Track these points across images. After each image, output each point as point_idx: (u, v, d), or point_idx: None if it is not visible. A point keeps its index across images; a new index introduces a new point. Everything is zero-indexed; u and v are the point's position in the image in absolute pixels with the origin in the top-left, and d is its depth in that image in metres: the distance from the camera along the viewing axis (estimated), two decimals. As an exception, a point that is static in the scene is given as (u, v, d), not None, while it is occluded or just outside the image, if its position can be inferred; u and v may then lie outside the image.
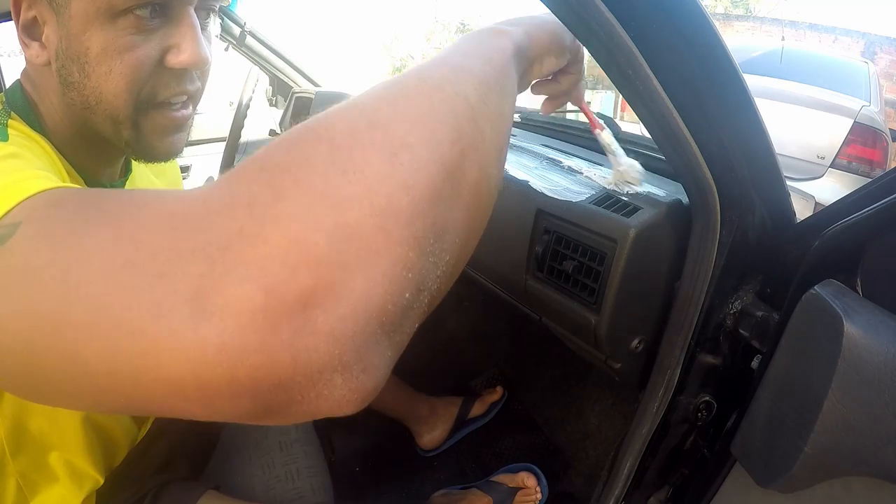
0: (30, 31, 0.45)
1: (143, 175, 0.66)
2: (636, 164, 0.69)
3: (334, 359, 0.19)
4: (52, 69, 0.45)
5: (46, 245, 0.23)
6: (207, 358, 0.19)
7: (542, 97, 0.54)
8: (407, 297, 0.20)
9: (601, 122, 0.66)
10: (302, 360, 0.19)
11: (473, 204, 0.24)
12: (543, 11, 0.43)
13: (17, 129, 0.45)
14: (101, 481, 0.61)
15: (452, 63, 0.28)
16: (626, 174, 0.68)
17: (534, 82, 0.48)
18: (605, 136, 0.67)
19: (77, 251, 0.22)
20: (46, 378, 0.22)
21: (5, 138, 0.41)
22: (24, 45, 0.45)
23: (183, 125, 0.51)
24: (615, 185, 0.70)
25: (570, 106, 0.58)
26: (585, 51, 0.49)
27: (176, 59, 0.45)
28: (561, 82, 0.49)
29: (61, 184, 0.31)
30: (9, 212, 0.27)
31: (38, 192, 0.28)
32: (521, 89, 0.45)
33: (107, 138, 0.49)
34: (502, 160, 0.29)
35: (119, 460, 0.65)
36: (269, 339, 0.18)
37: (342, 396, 0.20)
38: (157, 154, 0.51)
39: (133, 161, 0.61)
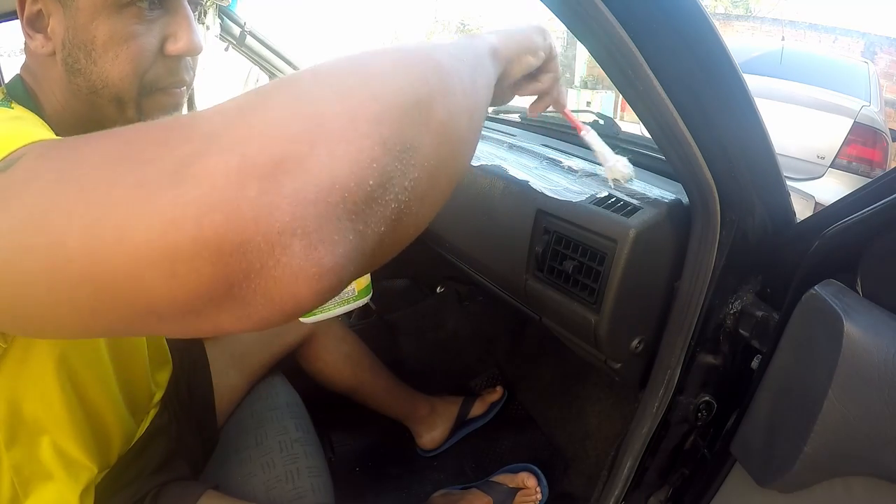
0: (34, 24, 0.48)
1: None
2: (624, 160, 0.70)
3: (294, 220, 0.20)
4: (57, 58, 0.48)
5: (45, 161, 0.26)
6: (177, 215, 0.20)
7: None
8: (371, 184, 0.22)
9: (584, 124, 0.68)
10: (264, 217, 0.20)
11: (441, 142, 0.26)
12: (532, 16, 0.44)
13: (20, 110, 0.47)
14: (96, 472, 0.61)
15: (428, 45, 0.32)
16: (614, 171, 0.70)
17: (518, 83, 0.51)
18: (590, 137, 0.69)
19: (73, 158, 0.24)
20: (26, 287, 0.24)
21: (9, 107, 0.45)
22: (29, 37, 0.48)
23: (180, 103, 0.54)
24: (610, 182, 0.72)
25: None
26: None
27: (174, 47, 0.49)
28: (542, 80, 0.53)
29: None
30: (13, 152, 0.29)
31: (41, 140, 0.30)
32: (508, 92, 0.50)
33: (108, 122, 0.51)
34: (473, 132, 0.32)
35: (114, 452, 0.65)
36: (236, 195, 0.20)
37: (299, 267, 0.21)
38: None
39: None
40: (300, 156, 0.21)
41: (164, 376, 0.77)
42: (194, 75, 0.55)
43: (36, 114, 0.49)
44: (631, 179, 0.71)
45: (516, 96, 0.53)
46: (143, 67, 0.48)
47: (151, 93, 0.50)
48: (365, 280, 0.75)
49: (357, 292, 0.74)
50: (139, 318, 0.23)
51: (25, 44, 0.50)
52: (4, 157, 0.29)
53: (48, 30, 0.47)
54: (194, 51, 0.50)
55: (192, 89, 0.58)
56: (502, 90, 0.49)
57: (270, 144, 0.21)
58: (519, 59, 0.45)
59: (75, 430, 0.58)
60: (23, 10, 0.47)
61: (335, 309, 0.74)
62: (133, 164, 0.22)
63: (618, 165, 0.70)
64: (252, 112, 0.23)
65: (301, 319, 0.73)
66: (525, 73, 0.47)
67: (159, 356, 0.75)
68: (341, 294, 0.72)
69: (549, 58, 0.50)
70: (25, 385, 0.52)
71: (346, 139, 0.22)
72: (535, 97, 0.57)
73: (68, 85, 0.49)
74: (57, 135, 0.49)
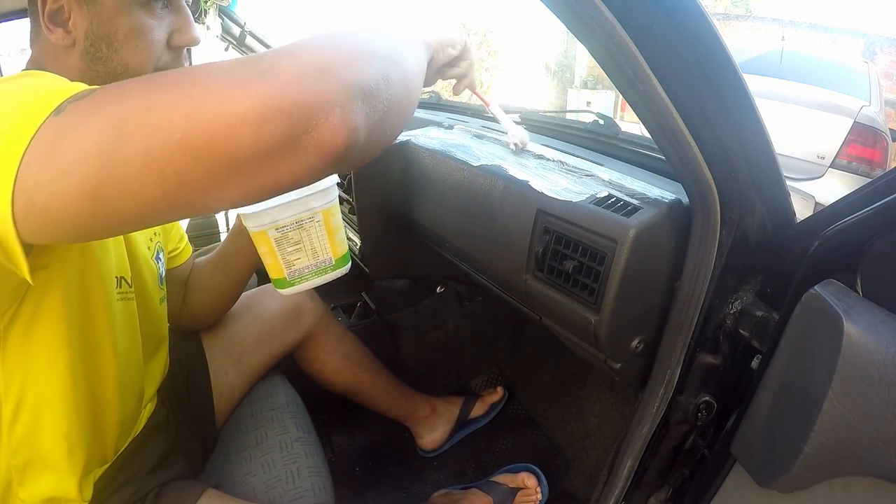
0: (54, 19, 0.54)
1: None
2: (521, 129, 0.93)
3: (336, 97, 0.34)
4: (78, 48, 0.55)
5: (132, 83, 0.36)
6: (267, 92, 0.33)
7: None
8: (372, 87, 0.36)
9: (490, 99, 0.85)
10: (320, 94, 0.34)
11: (401, 81, 0.41)
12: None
13: None
14: (95, 464, 0.62)
15: (393, 28, 0.47)
16: (515, 137, 0.92)
17: (441, 69, 0.63)
18: (495, 111, 0.88)
19: (160, 78, 0.36)
20: (122, 167, 0.33)
21: None
22: (49, 30, 0.54)
23: None
24: (511, 145, 0.93)
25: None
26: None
27: (181, 39, 0.59)
28: (460, 66, 0.66)
29: None
30: (78, 93, 0.37)
31: (95, 87, 0.38)
32: (435, 75, 0.62)
33: None
34: (417, 86, 0.46)
35: (111, 445, 0.65)
36: (303, 81, 0.34)
37: (338, 125, 0.34)
38: None
39: None
40: (335, 67, 0.35)
41: (157, 367, 0.77)
42: (189, 63, 0.66)
43: None
44: (525, 144, 0.93)
45: (425, 63, 0.60)
46: (156, 56, 0.58)
47: None
48: (342, 250, 0.74)
49: (335, 262, 0.73)
50: (220, 175, 0.33)
51: (34, 40, 0.57)
52: (75, 94, 0.37)
53: (69, 24, 0.54)
54: (196, 42, 0.61)
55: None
56: (430, 73, 0.59)
57: (318, 62, 0.35)
58: (442, 49, 0.58)
59: (78, 417, 0.58)
60: (44, 6, 0.53)
61: (314, 278, 0.73)
62: (223, 73, 0.34)
63: (517, 133, 0.92)
64: (300, 48, 0.37)
65: (281, 291, 0.73)
66: (446, 62, 0.61)
67: (152, 344, 0.75)
68: (319, 263, 0.72)
69: (465, 49, 0.63)
70: (33, 364, 0.54)
71: (358, 62, 0.37)
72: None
73: (86, 72, 0.56)
74: None
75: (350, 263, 0.76)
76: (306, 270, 0.72)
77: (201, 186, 0.34)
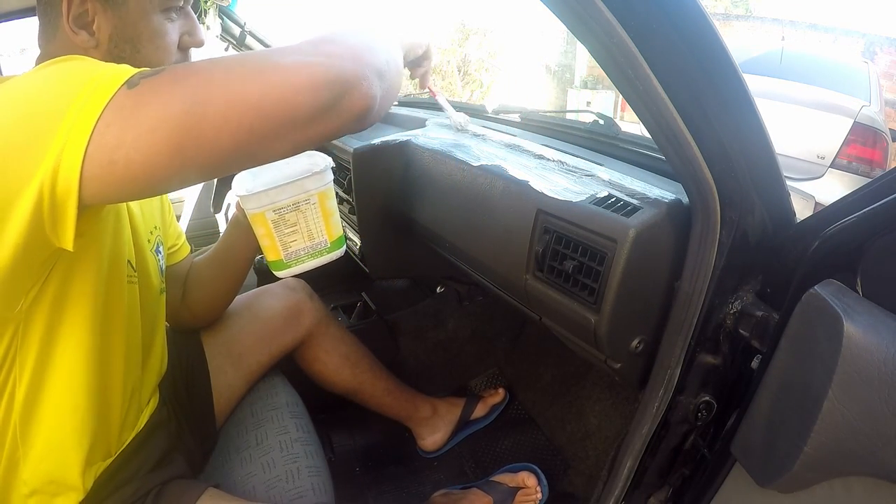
0: (78, 22, 0.57)
1: None
2: (464, 115, 1.11)
3: (362, 72, 0.46)
4: (101, 50, 0.59)
5: (206, 62, 0.45)
6: (320, 66, 0.45)
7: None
8: (384, 69, 0.49)
9: (437, 90, 0.96)
10: (353, 70, 0.46)
11: (393, 75, 0.52)
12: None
13: None
14: (99, 456, 0.63)
15: (381, 33, 0.57)
16: (458, 123, 1.09)
17: (409, 65, 0.72)
18: (440, 100, 1.03)
19: (232, 58, 0.46)
20: (204, 119, 0.42)
21: None
22: (73, 33, 0.57)
23: None
24: (455, 126, 1.09)
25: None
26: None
27: (192, 41, 0.66)
28: (423, 65, 0.75)
29: None
30: (146, 70, 0.44)
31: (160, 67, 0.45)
32: (408, 67, 0.71)
33: None
34: (399, 82, 0.55)
35: (114, 439, 0.66)
36: (343, 61, 0.46)
37: (364, 93, 0.46)
38: None
39: None
40: (361, 55, 0.48)
41: (154, 360, 0.77)
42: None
43: None
44: (467, 124, 1.10)
45: (402, 59, 0.66)
46: (171, 56, 0.63)
47: None
48: (337, 232, 0.76)
49: (330, 244, 0.75)
50: (282, 129, 0.44)
51: (50, 38, 0.59)
52: (142, 70, 0.44)
53: (93, 26, 0.57)
54: (202, 44, 0.67)
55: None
56: (406, 64, 0.68)
57: (351, 50, 0.47)
58: (413, 48, 0.67)
59: (89, 401, 0.60)
60: (69, 10, 0.56)
61: (310, 260, 0.76)
62: (280, 55, 0.45)
63: (460, 119, 1.09)
64: (336, 39, 0.49)
65: (278, 273, 0.76)
66: (414, 57, 0.69)
67: (149, 334, 0.75)
68: (314, 246, 0.75)
69: (428, 50, 0.72)
70: (55, 344, 0.56)
71: (374, 51, 0.50)
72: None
73: None
74: None
75: (345, 247, 0.78)
76: (302, 252, 0.74)
77: (267, 137, 0.44)
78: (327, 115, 0.45)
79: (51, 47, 0.59)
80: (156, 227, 0.78)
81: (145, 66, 0.58)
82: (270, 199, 0.71)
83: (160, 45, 0.61)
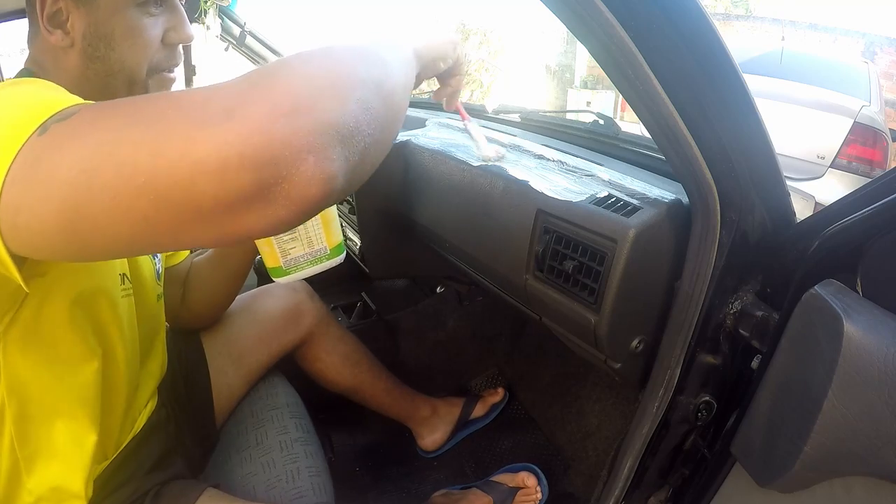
0: (53, 21, 0.55)
1: None
2: (497, 148, 0.90)
3: (309, 143, 0.30)
4: (76, 49, 0.56)
5: (105, 110, 0.34)
6: (229, 139, 0.29)
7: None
8: (351, 125, 0.32)
9: (467, 114, 0.82)
10: (290, 140, 0.30)
11: (387, 106, 0.37)
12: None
13: None
14: (100, 459, 0.62)
15: (377, 43, 0.42)
16: (488, 157, 0.88)
17: (437, 90, 0.64)
18: (471, 127, 0.86)
19: (130, 109, 0.33)
20: (91, 203, 0.32)
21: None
22: (48, 32, 0.55)
23: (173, 82, 0.66)
24: (481, 159, 0.89)
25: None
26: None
27: (176, 37, 0.61)
28: (450, 83, 0.63)
29: None
30: (68, 107, 0.36)
31: (92, 102, 0.37)
32: (422, 81, 0.58)
33: None
34: (403, 106, 0.42)
35: (113, 441, 0.66)
36: (270, 126, 0.30)
37: (313, 174, 0.30)
38: None
39: None
40: (310, 106, 0.31)
41: (154, 364, 0.77)
42: (182, 59, 0.67)
43: None
44: (503, 157, 0.88)
45: (414, 77, 0.58)
46: (151, 53, 0.59)
47: (155, 74, 0.61)
48: (337, 239, 0.75)
49: (330, 251, 0.74)
50: (185, 222, 0.31)
51: (32, 40, 0.58)
52: (60, 111, 0.36)
53: (67, 25, 0.55)
54: (189, 40, 0.62)
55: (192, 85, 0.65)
56: (418, 83, 0.57)
57: (291, 98, 0.31)
58: (434, 62, 0.55)
59: (90, 411, 0.59)
60: (42, 9, 0.54)
61: (309, 267, 0.74)
62: (188, 110, 0.31)
63: (489, 152, 0.88)
64: (271, 79, 0.32)
65: (277, 280, 0.74)
66: (435, 74, 0.58)
67: (148, 341, 0.75)
68: (314, 253, 0.73)
69: (457, 64, 0.59)
70: (37, 364, 0.54)
71: (335, 96, 0.33)
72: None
73: (84, 71, 0.57)
74: None
75: (345, 253, 0.77)
76: (301, 259, 0.73)
77: (168, 231, 0.32)
78: (249, 209, 0.31)
79: (33, 49, 0.58)
80: None
81: (121, 66, 0.57)
82: None
83: (137, 42, 0.57)
